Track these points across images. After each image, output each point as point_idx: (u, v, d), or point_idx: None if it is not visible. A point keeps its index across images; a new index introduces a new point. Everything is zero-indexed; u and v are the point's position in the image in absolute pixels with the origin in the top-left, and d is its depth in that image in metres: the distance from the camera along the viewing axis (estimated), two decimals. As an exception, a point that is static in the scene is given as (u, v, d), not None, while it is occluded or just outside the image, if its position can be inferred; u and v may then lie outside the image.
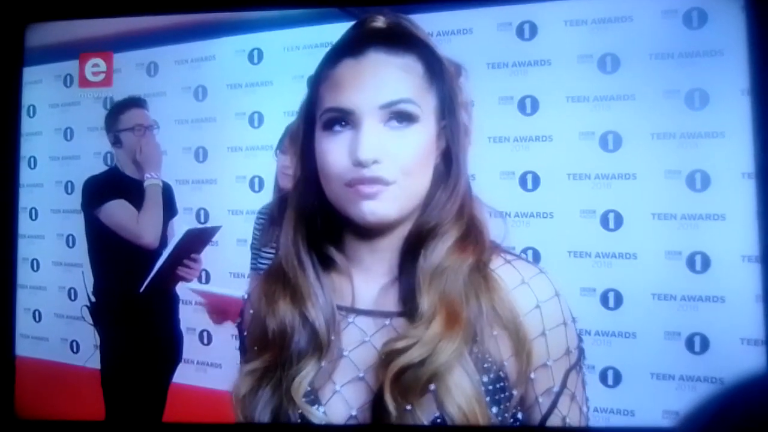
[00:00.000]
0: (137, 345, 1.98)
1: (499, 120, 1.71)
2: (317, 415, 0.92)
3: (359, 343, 0.95)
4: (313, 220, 0.96)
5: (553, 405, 0.92)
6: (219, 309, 1.88)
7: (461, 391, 0.87)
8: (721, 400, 0.55)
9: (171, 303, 1.98)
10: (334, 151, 0.92)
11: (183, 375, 1.98)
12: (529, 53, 1.69)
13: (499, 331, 0.91)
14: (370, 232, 0.95)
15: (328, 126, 0.93)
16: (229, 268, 1.89)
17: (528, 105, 1.70)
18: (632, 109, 1.62)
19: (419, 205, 0.94)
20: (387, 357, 0.90)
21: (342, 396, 0.93)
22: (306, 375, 0.94)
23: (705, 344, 1.57)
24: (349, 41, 0.97)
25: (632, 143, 1.63)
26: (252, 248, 1.89)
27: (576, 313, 1.60)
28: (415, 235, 0.94)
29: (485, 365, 0.90)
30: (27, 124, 1.97)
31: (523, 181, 1.70)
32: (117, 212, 2.00)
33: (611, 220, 1.64)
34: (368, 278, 0.97)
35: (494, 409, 0.90)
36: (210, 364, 1.95)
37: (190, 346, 1.97)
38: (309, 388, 0.94)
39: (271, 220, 1.85)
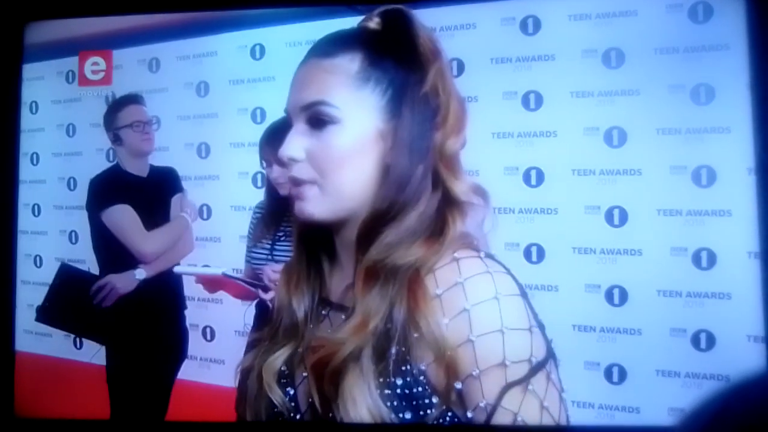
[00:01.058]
0: (143, 342, 1.98)
1: (503, 115, 1.70)
2: (278, 395, 0.95)
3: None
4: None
5: (487, 422, 0.85)
6: (209, 282, 1.89)
7: (351, 398, 0.86)
8: (722, 400, 0.54)
9: (176, 299, 1.99)
10: (279, 152, 0.97)
11: (186, 371, 1.98)
12: (533, 48, 1.69)
13: (419, 336, 0.87)
14: (334, 227, 0.97)
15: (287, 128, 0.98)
16: (231, 263, 1.89)
17: (532, 100, 1.69)
18: (637, 104, 1.61)
19: (358, 204, 0.93)
20: (312, 349, 0.93)
21: (307, 382, 0.94)
22: (281, 355, 0.97)
23: (711, 341, 1.56)
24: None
25: (637, 138, 1.62)
26: (247, 242, 1.90)
27: (580, 309, 1.62)
28: (358, 236, 0.93)
29: (403, 368, 0.87)
30: (29, 121, 1.98)
31: (527, 177, 1.69)
32: (120, 218, 2.00)
33: (616, 216, 1.63)
34: (341, 274, 0.99)
35: (408, 415, 0.87)
36: (213, 360, 1.95)
37: (193, 343, 1.98)
38: (286, 369, 0.97)
39: (263, 221, 1.86)
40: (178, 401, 1.95)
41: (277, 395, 0.95)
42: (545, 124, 1.68)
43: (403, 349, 0.87)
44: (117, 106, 2.00)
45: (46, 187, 2.04)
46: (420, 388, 0.87)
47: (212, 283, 1.89)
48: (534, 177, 1.69)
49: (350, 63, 0.93)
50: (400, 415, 0.87)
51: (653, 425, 1.55)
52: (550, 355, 0.88)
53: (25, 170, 1.96)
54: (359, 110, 0.92)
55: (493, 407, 0.84)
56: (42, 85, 2.00)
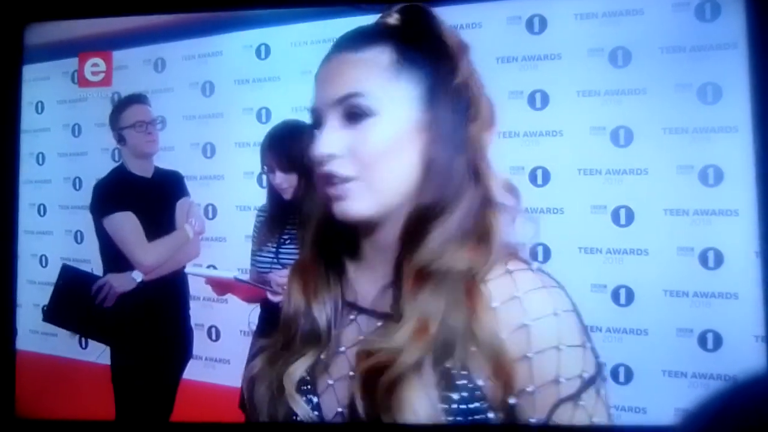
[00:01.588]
0: (148, 342, 1.98)
1: (509, 115, 1.69)
2: (303, 406, 0.92)
3: (355, 342, 0.92)
4: (329, 221, 0.94)
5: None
6: (219, 284, 1.89)
7: (411, 410, 0.83)
8: (723, 399, 0.54)
9: (181, 298, 1.99)
10: (310, 151, 0.92)
11: (191, 371, 1.98)
12: (539, 47, 1.68)
13: (479, 349, 0.84)
14: (367, 228, 0.93)
15: (313, 127, 0.94)
16: (237, 264, 1.89)
17: (538, 99, 1.69)
18: (644, 103, 1.61)
19: (401, 200, 0.90)
20: (358, 357, 0.88)
21: (334, 390, 0.92)
22: (303, 363, 0.93)
23: (718, 341, 1.56)
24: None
25: (644, 138, 1.62)
26: (252, 247, 1.90)
27: (587, 309, 1.60)
28: (404, 235, 0.90)
29: (458, 382, 0.84)
30: (35, 120, 1.98)
31: (533, 177, 1.69)
32: (121, 226, 2.00)
33: (623, 216, 1.63)
34: (373, 277, 0.94)
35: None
36: (218, 360, 1.95)
37: (198, 343, 1.98)
38: (308, 376, 0.94)
39: (267, 225, 1.85)
40: (184, 401, 1.95)
41: (300, 406, 0.92)
42: (551, 123, 1.67)
43: (460, 362, 0.85)
44: (121, 106, 2.00)
45: (51, 187, 2.05)
46: (477, 404, 0.85)
47: (221, 286, 1.88)
48: (540, 176, 1.69)
49: (381, 55, 0.90)
50: None
51: (659, 425, 1.55)
52: (600, 370, 0.87)
53: (31, 170, 1.97)
54: (396, 101, 0.89)
55: (545, 423, 0.84)
56: (47, 85, 2.00)
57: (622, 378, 1.61)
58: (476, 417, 0.85)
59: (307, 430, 0.95)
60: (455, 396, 0.84)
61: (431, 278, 0.86)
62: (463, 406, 0.85)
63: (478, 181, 0.91)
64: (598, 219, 1.64)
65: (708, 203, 1.57)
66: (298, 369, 0.93)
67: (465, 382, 0.85)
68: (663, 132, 1.60)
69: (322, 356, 0.93)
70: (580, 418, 0.84)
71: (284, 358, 0.95)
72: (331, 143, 0.89)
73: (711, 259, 1.56)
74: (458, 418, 0.84)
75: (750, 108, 1.48)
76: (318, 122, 0.92)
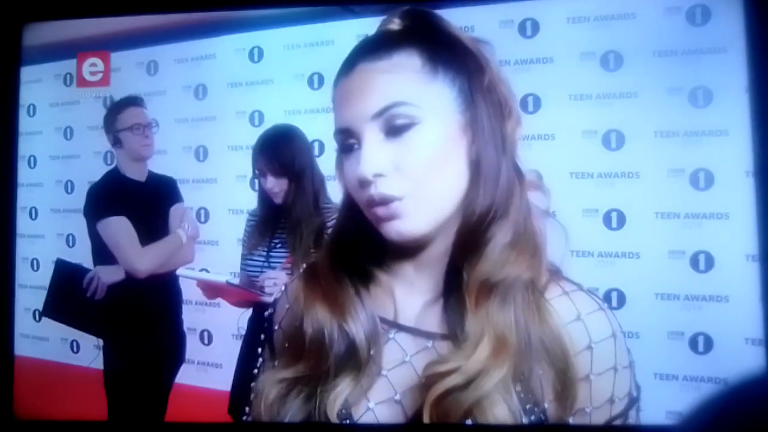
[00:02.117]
0: (141, 346, 1.97)
1: (501, 118, 1.69)
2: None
3: (399, 363, 0.86)
4: (354, 238, 0.89)
5: None
6: (210, 287, 1.88)
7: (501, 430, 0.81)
8: (723, 401, 0.54)
9: (174, 302, 1.98)
10: (348, 173, 0.85)
11: (183, 375, 1.98)
12: (531, 51, 1.68)
13: (546, 369, 0.82)
14: (412, 248, 0.87)
15: (343, 149, 0.87)
16: (229, 267, 1.89)
17: (530, 103, 1.69)
18: (635, 107, 1.61)
19: (456, 212, 0.85)
20: (428, 380, 0.82)
21: (374, 414, 0.86)
22: (342, 391, 0.86)
23: (709, 344, 1.56)
24: (346, 59, 0.89)
25: (635, 142, 1.62)
26: (242, 251, 1.89)
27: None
28: (458, 246, 0.85)
29: (527, 406, 0.82)
30: (27, 123, 1.97)
31: (524, 180, 1.68)
32: (115, 231, 1.99)
33: (614, 219, 1.63)
34: (412, 293, 0.89)
35: None
36: (210, 364, 1.95)
37: (190, 347, 1.97)
38: (345, 405, 0.87)
39: (257, 229, 1.85)
40: (176, 405, 1.94)
41: None
42: (543, 126, 1.67)
43: (528, 383, 0.82)
44: (117, 108, 1.99)
45: (43, 191, 2.04)
46: (540, 416, 0.84)
47: (212, 290, 1.88)
48: (532, 180, 1.68)
49: (410, 59, 0.85)
50: None
51: (649, 426, 1.55)
52: (639, 389, 0.90)
53: (23, 173, 1.95)
54: (437, 104, 0.84)
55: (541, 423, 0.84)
56: (39, 87, 1.99)
57: (613, 381, 1.61)
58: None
59: (304, 430, 0.93)
60: (525, 420, 0.82)
61: (497, 289, 0.83)
62: (525, 419, 0.83)
63: (521, 181, 0.88)
64: (589, 222, 1.64)
65: (699, 207, 1.57)
66: (340, 397, 0.86)
67: (532, 405, 0.83)
68: (654, 135, 1.60)
69: (362, 381, 0.86)
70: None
71: (315, 386, 0.87)
72: (377, 162, 0.82)
73: (702, 262, 1.57)
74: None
75: (748, 111, 1.49)
76: (350, 143, 0.85)
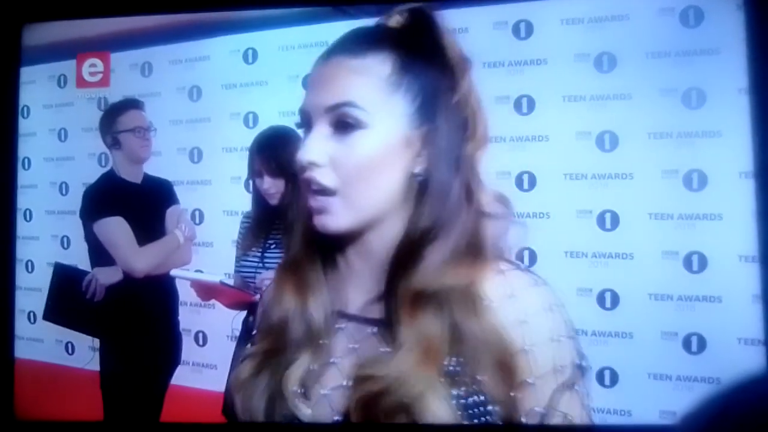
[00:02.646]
0: (138, 347, 1.97)
1: (495, 120, 1.66)
2: (304, 411, 0.90)
3: (347, 351, 0.91)
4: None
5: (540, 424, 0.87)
6: (204, 288, 1.88)
7: (435, 419, 0.84)
8: (721, 400, 0.54)
9: (170, 303, 1.98)
10: (297, 155, 0.90)
11: (178, 376, 1.98)
12: (525, 52, 1.69)
13: (479, 346, 0.85)
14: (351, 238, 0.91)
15: (299, 126, 0.92)
16: (224, 269, 1.89)
17: (524, 104, 1.69)
18: (629, 108, 1.62)
19: (381, 215, 0.88)
20: (355, 381, 0.86)
21: (328, 400, 0.90)
22: (297, 368, 0.91)
23: (702, 344, 1.57)
24: (330, 44, 0.92)
25: (629, 143, 1.63)
26: (236, 252, 1.89)
27: (572, 313, 1.60)
28: (399, 255, 0.88)
29: (460, 378, 0.85)
30: (21, 125, 1.96)
31: (519, 182, 1.69)
32: (111, 231, 1.99)
33: (608, 220, 1.64)
34: (361, 285, 0.92)
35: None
36: (205, 365, 1.95)
37: (185, 348, 1.97)
38: (300, 388, 0.91)
39: (252, 230, 1.85)
40: (171, 406, 1.94)
41: (301, 411, 0.90)
42: (537, 128, 1.68)
43: (461, 359, 0.85)
44: (118, 109, 1.99)
45: (38, 192, 2.03)
46: (478, 397, 0.86)
47: (206, 292, 1.88)
48: (526, 181, 1.69)
49: (382, 65, 0.87)
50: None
51: (647, 425, 1.56)
52: (585, 358, 0.91)
53: (17, 175, 1.95)
54: (389, 116, 0.86)
55: (546, 410, 0.87)
56: (34, 89, 1.99)
57: (607, 381, 1.62)
58: (477, 410, 0.86)
59: (300, 431, 0.94)
60: (455, 391, 0.85)
61: (432, 300, 0.85)
62: (463, 401, 0.85)
63: (471, 201, 0.89)
64: (583, 223, 1.65)
65: (692, 207, 1.58)
66: (294, 375, 0.91)
67: (467, 378, 0.85)
68: (648, 137, 1.61)
69: (314, 366, 0.91)
70: (574, 403, 0.87)
71: (278, 363, 0.92)
72: (316, 151, 0.86)
73: (695, 262, 1.57)
74: (461, 412, 0.85)
75: (743, 112, 1.49)
76: (305, 125, 0.90)
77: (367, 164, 0.86)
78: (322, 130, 0.87)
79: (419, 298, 0.85)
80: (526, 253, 1.67)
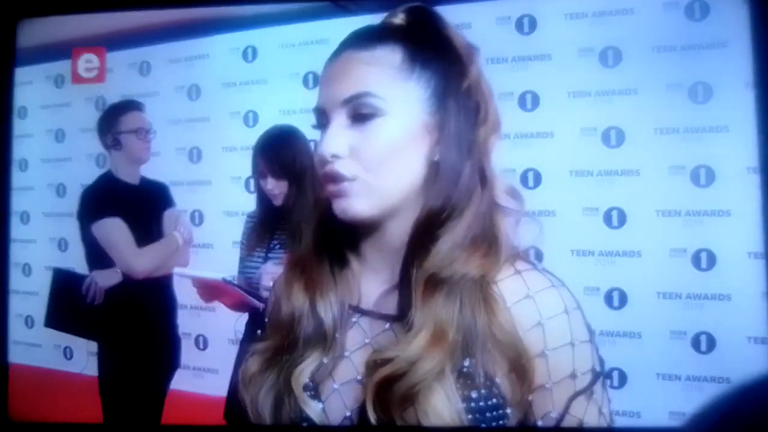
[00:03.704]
0: (137, 350, 1.95)
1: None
2: (314, 408, 0.91)
3: (361, 345, 0.92)
4: (331, 220, 0.93)
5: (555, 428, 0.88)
6: (206, 287, 1.85)
7: (437, 416, 0.84)
8: (730, 401, 0.54)
9: (169, 306, 1.97)
10: (315, 151, 0.92)
11: (179, 381, 1.96)
12: (529, 48, 1.68)
13: (493, 348, 0.85)
14: (368, 229, 0.92)
15: (317, 127, 0.94)
16: (224, 270, 1.87)
17: (529, 100, 1.68)
18: (635, 103, 1.61)
19: (403, 202, 0.90)
20: (371, 366, 0.87)
21: (340, 395, 0.91)
22: (308, 365, 0.92)
23: (711, 343, 1.55)
24: (339, 44, 0.95)
25: (635, 139, 1.62)
26: (240, 253, 1.87)
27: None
28: (412, 240, 0.90)
29: (476, 380, 0.85)
30: (18, 126, 1.95)
31: (524, 179, 1.68)
32: (110, 232, 1.97)
33: (615, 218, 1.63)
34: (375, 279, 0.94)
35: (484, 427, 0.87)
36: (206, 369, 1.93)
37: (185, 352, 1.96)
38: (310, 382, 0.92)
39: (256, 231, 1.83)
40: (171, 411, 1.92)
41: (312, 408, 0.91)
42: (542, 124, 1.67)
43: (477, 360, 0.85)
44: (119, 110, 1.98)
45: (35, 194, 2.03)
46: (494, 400, 0.86)
47: (208, 292, 1.86)
48: (531, 178, 1.68)
49: (392, 54, 0.89)
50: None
51: (654, 427, 1.54)
52: (603, 363, 0.91)
53: (14, 177, 1.93)
54: (405, 102, 0.88)
55: (562, 415, 0.87)
56: (31, 89, 1.98)
57: (616, 382, 1.61)
58: (494, 413, 0.86)
59: (301, 430, 0.92)
60: (474, 394, 0.85)
61: (444, 285, 0.87)
62: (481, 404, 0.85)
63: (485, 186, 0.91)
64: (590, 221, 1.64)
65: (700, 204, 1.57)
66: (304, 372, 0.92)
67: (483, 379, 0.85)
68: (654, 132, 1.60)
69: (326, 360, 0.92)
70: (592, 410, 0.87)
71: (287, 360, 0.93)
72: (337, 143, 0.88)
73: (704, 260, 1.56)
74: (477, 416, 0.86)
75: (750, 106, 1.48)
76: (323, 122, 0.91)
77: (387, 151, 0.88)
78: (340, 122, 0.89)
79: (432, 280, 0.86)
80: (532, 252, 1.65)
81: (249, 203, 1.87)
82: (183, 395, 1.94)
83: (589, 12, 1.64)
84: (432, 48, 0.91)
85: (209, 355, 1.93)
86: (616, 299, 1.62)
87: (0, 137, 1.80)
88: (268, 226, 1.82)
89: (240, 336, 1.74)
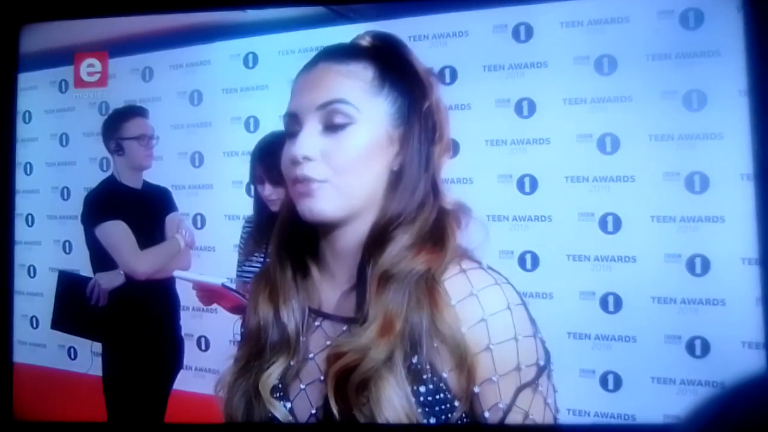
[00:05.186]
0: (140, 351, 1.98)
1: (496, 123, 1.70)
2: (281, 410, 0.97)
3: (323, 347, 0.98)
4: (293, 225, 1.01)
5: (501, 423, 0.92)
6: (206, 291, 1.87)
7: (389, 405, 0.89)
8: (722, 401, 0.55)
9: (172, 308, 1.99)
10: (285, 154, 0.98)
11: (181, 382, 1.98)
12: (525, 55, 1.69)
13: (440, 344, 0.91)
14: (327, 233, 0.99)
15: (287, 132, 0.99)
16: (225, 273, 1.88)
17: (525, 107, 1.69)
18: (630, 110, 1.62)
19: (364, 206, 0.96)
20: (331, 360, 0.93)
21: (306, 394, 0.97)
22: (275, 369, 0.98)
23: (706, 348, 1.56)
24: (312, 58, 1.02)
25: (630, 145, 1.62)
26: (238, 257, 1.89)
27: (575, 316, 1.62)
28: (369, 241, 0.96)
29: (424, 376, 0.91)
30: (23, 130, 1.97)
31: (520, 184, 1.69)
32: (113, 234, 1.99)
33: (610, 223, 1.63)
34: (334, 283, 1.00)
35: (432, 420, 0.91)
36: (208, 370, 1.94)
37: (188, 352, 1.98)
38: (279, 383, 0.98)
39: (253, 236, 1.85)
40: (174, 411, 1.94)
41: (278, 410, 0.97)
42: (538, 131, 1.68)
43: (424, 356, 0.91)
44: (123, 115, 1.99)
45: (39, 197, 2.04)
46: (442, 395, 0.91)
47: (208, 296, 1.87)
48: (528, 184, 1.69)
49: (365, 71, 0.96)
50: (425, 421, 0.91)
51: (648, 425, 1.55)
52: (548, 356, 0.95)
53: (19, 180, 1.95)
54: (374, 114, 0.95)
55: (509, 407, 0.91)
56: (35, 94, 1.99)
57: (611, 385, 1.62)
58: (442, 407, 0.91)
59: (293, 431, 0.98)
60: (422, 389, 0.91)
61: (393, 280, 0.93)
62: (429, 398, 0.91)
63: (436, 197, 0.98)
64: (585, 226, 1.64)
65: (694, 210, 1.57)
66: (272, 376, 0.98)
67: (430, 375, 0.91)
68: (649, 139, 1.60)
69: (292, 363, 0.98)
70: (538, 401, 0.93)
71: (256, 367, 0.99)
72: (309, 146, 0.94)
73: (698, 265, 1.57)
74: (426, 409, 0.91)
75: (744, 113, 1.49)
76: (294, 127, 0.96)
77: (357, 157, 0.95)
78: (313, 127, 0.95)
79: (384, 277, 0.93)
80: (528, 257, 1.67)
81: (250, 207, 1.88)
82: (185, 395, 1.95)
83: (585, 20, 1.64)
84: (398, 70, 0.99)
85: (211, 356, 1.95)
86: (612, 304, 1.62)
87: (4, 141, 1.82)
88: (266, 232, 1.82)
89: (238, 338, 1.76)
